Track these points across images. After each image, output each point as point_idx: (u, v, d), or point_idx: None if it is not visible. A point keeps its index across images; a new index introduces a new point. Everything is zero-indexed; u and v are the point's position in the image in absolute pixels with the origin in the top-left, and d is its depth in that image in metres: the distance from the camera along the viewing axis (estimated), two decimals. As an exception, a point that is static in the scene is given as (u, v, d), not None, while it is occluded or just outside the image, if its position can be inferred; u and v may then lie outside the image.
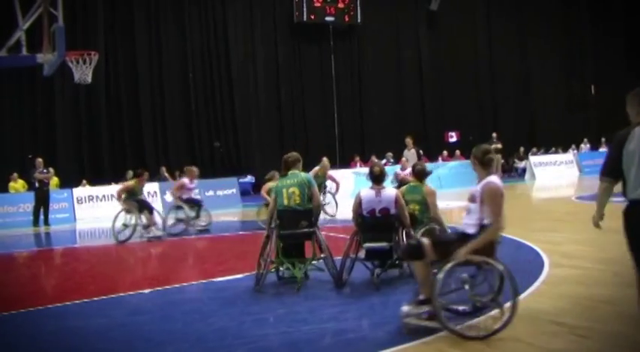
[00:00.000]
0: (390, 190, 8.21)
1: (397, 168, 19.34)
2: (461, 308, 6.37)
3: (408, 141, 20.62)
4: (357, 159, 28.58)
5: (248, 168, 25.00)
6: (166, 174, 24.78)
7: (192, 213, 15.86)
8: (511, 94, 35.27)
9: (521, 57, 35.65)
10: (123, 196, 15.06)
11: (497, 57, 35.10)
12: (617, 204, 5.31)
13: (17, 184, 22.04)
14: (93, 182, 23.73)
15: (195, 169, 16.73)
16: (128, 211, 14.86)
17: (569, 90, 36.54)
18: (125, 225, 14.75)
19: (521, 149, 32.00)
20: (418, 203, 8.86)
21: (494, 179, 6.20)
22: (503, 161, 30.75)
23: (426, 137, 32.19)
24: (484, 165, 6.34)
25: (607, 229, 5.61)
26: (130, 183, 15.72)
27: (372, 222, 8.05)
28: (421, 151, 17.82)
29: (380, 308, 6.87)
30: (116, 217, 14.86)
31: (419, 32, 33.35)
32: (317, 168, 17.11)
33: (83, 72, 17.07)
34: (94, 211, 21.90)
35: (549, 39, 35.73)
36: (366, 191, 8.18)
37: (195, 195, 17.07)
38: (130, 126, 26.59)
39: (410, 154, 19.60)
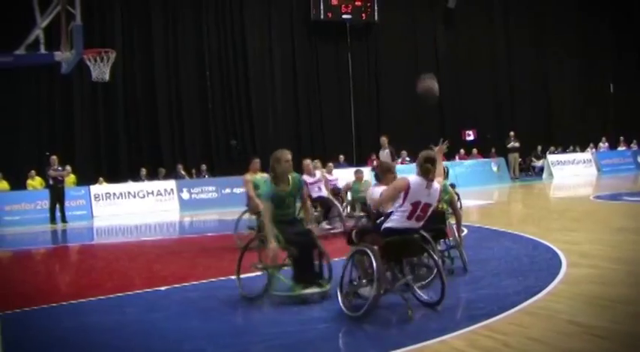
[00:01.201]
0: (378, 189, 8.12)
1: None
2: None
3: (383, 140, 19.88)
4: (374, 157, 28.50)
5: (265, 166, 24.99)
6: (183, 172, 24.89)
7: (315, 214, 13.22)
8: (529, 93, 35.01)
9: (539, 55, 35.37)
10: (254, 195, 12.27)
11: (514, 55, 34.86)
12: (634, 204, 5.29)
13: (35, 181, 22.19)
14: (110, 179, 23.86)
15: (307, 162, 14.56)
16: (253, 212, 12.37)
17: (587, 89, 36.26)
18: (251, 229, 12.50)
19: (539, 148, 31.83)
20: (446, 202, 8.92)
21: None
22: (520, 160, 30.64)
23: (443, 135, 31.67)
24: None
25: (624, 229, 5.58)
26: (247, 177, 12.99)
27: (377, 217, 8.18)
28: (395, 152, 17.07)
29: (397, 307, 6.82)
30: (239, 219, 13.03)
31: (436, 30, 33.22)
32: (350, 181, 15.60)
33: (101, 70, 17.11)
34: (111, 208, 22.06)
35: (568, 37, 35.45)
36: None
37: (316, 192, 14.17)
38: (147, 123, 26.65)
39: (384, 154, 19.01)
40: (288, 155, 7.88)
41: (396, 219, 6.79)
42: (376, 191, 8.11)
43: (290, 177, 7.89)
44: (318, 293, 7.50)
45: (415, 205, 6.76)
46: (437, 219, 8.24)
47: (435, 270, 7.06)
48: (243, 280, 7.94)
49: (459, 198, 9.44)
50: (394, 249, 6.77)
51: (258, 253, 8.01)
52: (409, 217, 6.77)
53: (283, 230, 7.63)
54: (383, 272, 6.46)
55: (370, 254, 6.49)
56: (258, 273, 7.99)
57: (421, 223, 6.91)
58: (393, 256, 6.78)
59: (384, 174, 8.33)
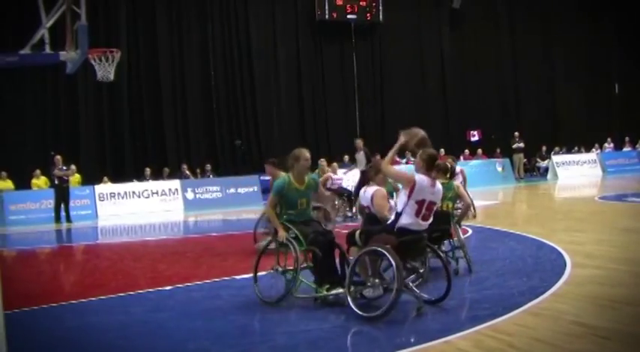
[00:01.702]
0: (370, 189, 8.16)
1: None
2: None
3: (358, 142, 19.85)
4: (379, 157, 28.37)
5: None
6: (187, 172, 24.90)
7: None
8: (534, 93, 34.96)
9: (544, 55, 35.34)
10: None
11: (519, 55, 34.83)
12: (639, 205, 5.27)
13: (40, 181, 22.21)
14: (114, 179, 23.88)
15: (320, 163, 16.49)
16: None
17: (592, 90, 36.17)
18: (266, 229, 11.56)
19: (544, 148, 31.75)
20: (451, 200, 8.93)
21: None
22: (525, 160, 30.58)
23: (448, 136, 32.03)
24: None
25: (629, 230, 5.55)
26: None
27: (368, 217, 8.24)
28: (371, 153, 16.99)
29: (402, 307, 6.76)
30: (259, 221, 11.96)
31: (441, 30, 33.20)
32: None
33: (105, 70, 17.13)
34: (116, 208, 22.05)
35: (572, 37, 35.37)
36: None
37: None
38: (152, 123, 26.70)
39: (359, 157, 18.96)
40: (307, 154, 7.86)
41: (407, 218, 6.81)
42: (368, 192, 8.11)
43: (306, 178, 7.86)
44: (343, 294, 7.20)
45: (420, 203, 6.80)
46: (442, 220, 8.27)
47: (427, 273, 7.30)
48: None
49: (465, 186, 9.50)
50: (407, 248, 6.80)
51: (276, 256, 7.74)
52: (417, 215, 6.81)
53: (303, 231, 7.53)
54: (402, 269, 6.49)
55: (387, 254, 6.47)
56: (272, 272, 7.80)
57: (428, 223, 6.94)
58: (404, 255, 6.77)
59: (376, 174, 8.35)
